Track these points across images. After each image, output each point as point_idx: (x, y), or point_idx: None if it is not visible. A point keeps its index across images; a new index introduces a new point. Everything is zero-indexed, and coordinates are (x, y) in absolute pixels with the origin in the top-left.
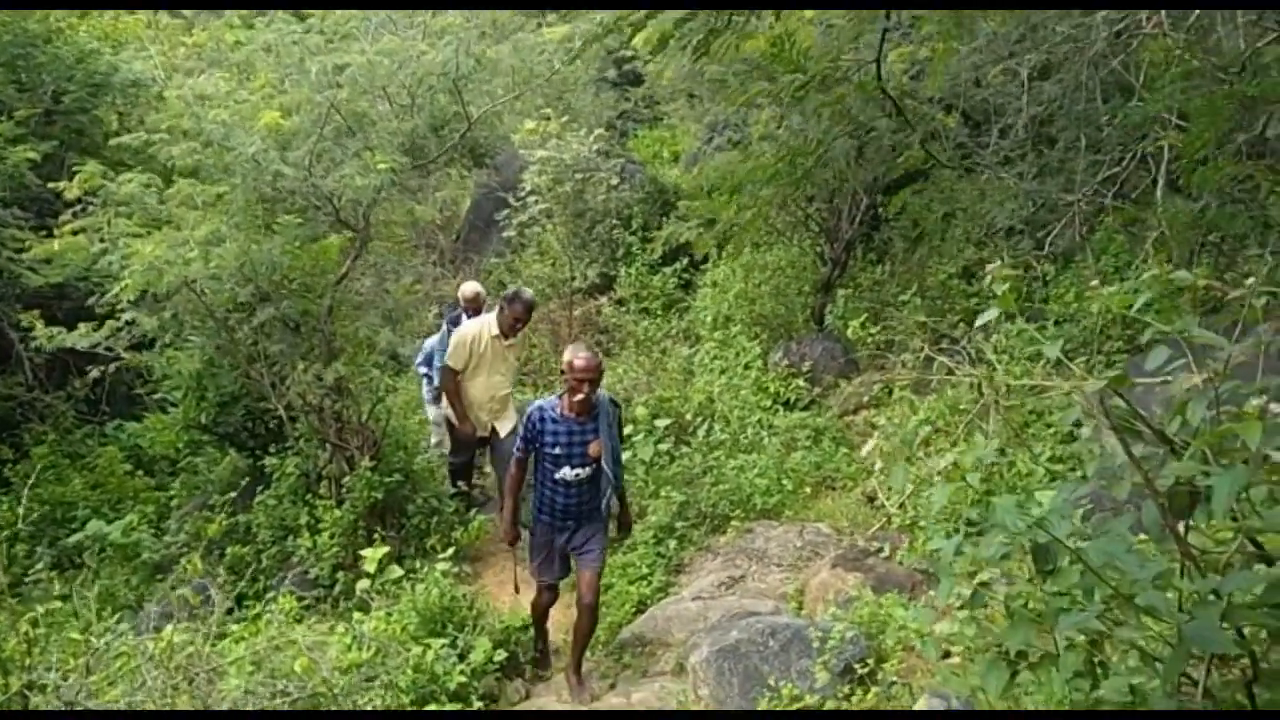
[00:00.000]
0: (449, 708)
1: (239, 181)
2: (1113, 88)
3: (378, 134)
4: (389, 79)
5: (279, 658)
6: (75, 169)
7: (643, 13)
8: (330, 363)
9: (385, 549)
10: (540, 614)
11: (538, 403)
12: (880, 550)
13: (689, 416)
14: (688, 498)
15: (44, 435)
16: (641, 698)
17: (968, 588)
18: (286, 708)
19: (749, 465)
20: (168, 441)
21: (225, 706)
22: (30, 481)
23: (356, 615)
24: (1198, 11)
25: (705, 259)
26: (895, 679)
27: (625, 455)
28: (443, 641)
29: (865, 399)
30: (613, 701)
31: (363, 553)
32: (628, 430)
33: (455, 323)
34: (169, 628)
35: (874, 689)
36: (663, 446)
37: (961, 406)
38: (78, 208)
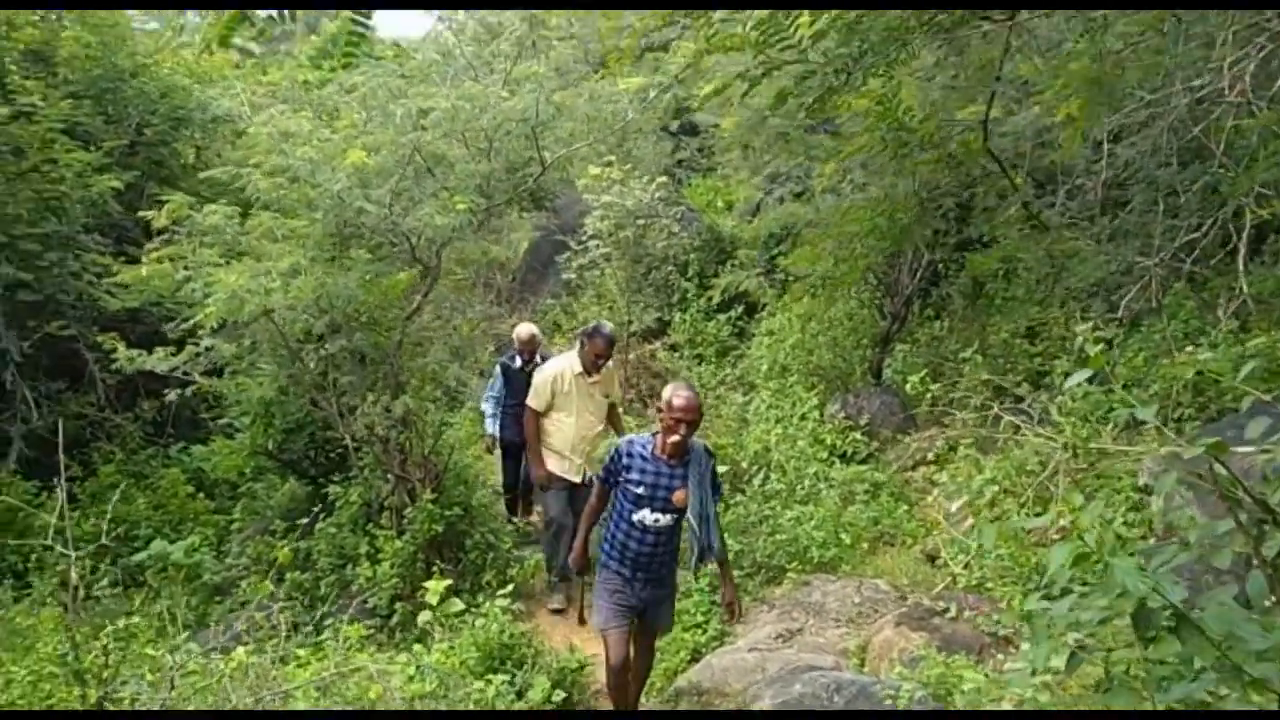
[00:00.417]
0: None
1: (320, 216)
2: (1191, 153)
3: (456, 175)
4: (470, 123)
5: (343, 685)
6: (155, 199)
7: (719, 73)
8: (398, 395)
9: (447, 581)
10: (616, 677)
11: (630, 437)
12: (946, 610)
13: (744, 464)
14: (743, 546)
15: (112, 455)
16: None
17: (1061, 652)
18: None
19: (806, 517)
20: (233, 466)
21: None
22: (114, 498)
23: (417, 647)
24: None
25: (760, 307)
26: None
27: None
28: (503, 678)
29: (926, 455)
30: None
31: (426, 584)
32: None
33: (508, 364)
34: (239, 649)
35: None
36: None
37: (1029, 467)
38: (164, 236)
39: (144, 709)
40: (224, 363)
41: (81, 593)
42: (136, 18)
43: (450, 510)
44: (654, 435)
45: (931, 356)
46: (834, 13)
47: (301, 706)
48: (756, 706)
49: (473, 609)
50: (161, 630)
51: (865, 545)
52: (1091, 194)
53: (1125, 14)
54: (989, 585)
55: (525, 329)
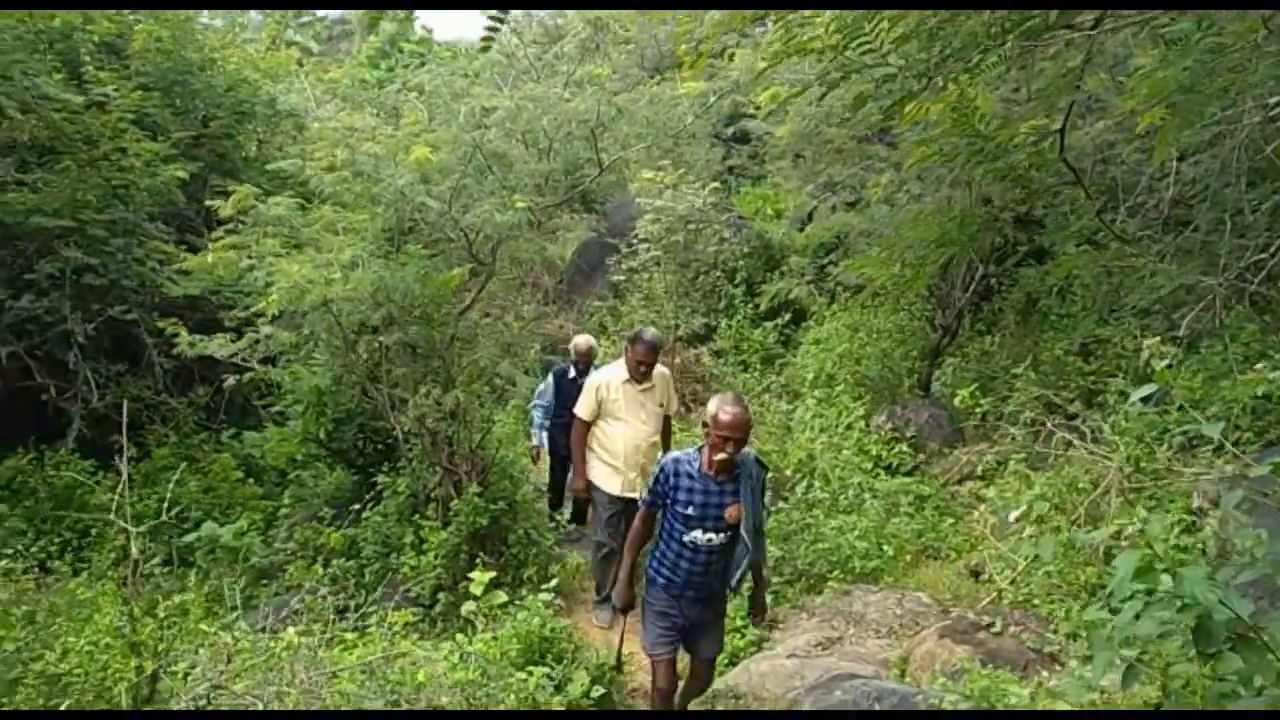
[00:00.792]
0: None
1: (382, 211)
2: (1261, 173)
3: (515, 174)
4: (532, 123)
5: (388, 669)
6: (218, 190)
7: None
8: (449, 389)
9: (492, 573)
10: (664, 701)
11: (674, 454)
12: (991, 625)
13: (788, 472)
14: (784, 554)
15: (166, 438)
16: None
17: (1118, 667)
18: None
19: (848, 526)
20: (285, 452)
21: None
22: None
23: (459, 636)
24: None
25: (807, 315)
26: None
27: None
28: (544, 670)
29: (974, 470)
30: None
31: (471, 575)
32: None
33: (562, 374)
34: (290, 629)
35: None
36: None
37: (1080, 485)
38: (228, 226)
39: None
40: (280, 351)
41: (139, 567)
42: (201, 15)
43: (495, 504)
44: (699, 450)
45: (981, 371)
46: (918, 16)
47: (347, 688)
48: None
49: (515, 602)
50: (210, 609)
51: (908, 557)
52: (1154, 211)
53: (1221, 20)
54: (1036, 602)
55: (584, 340)
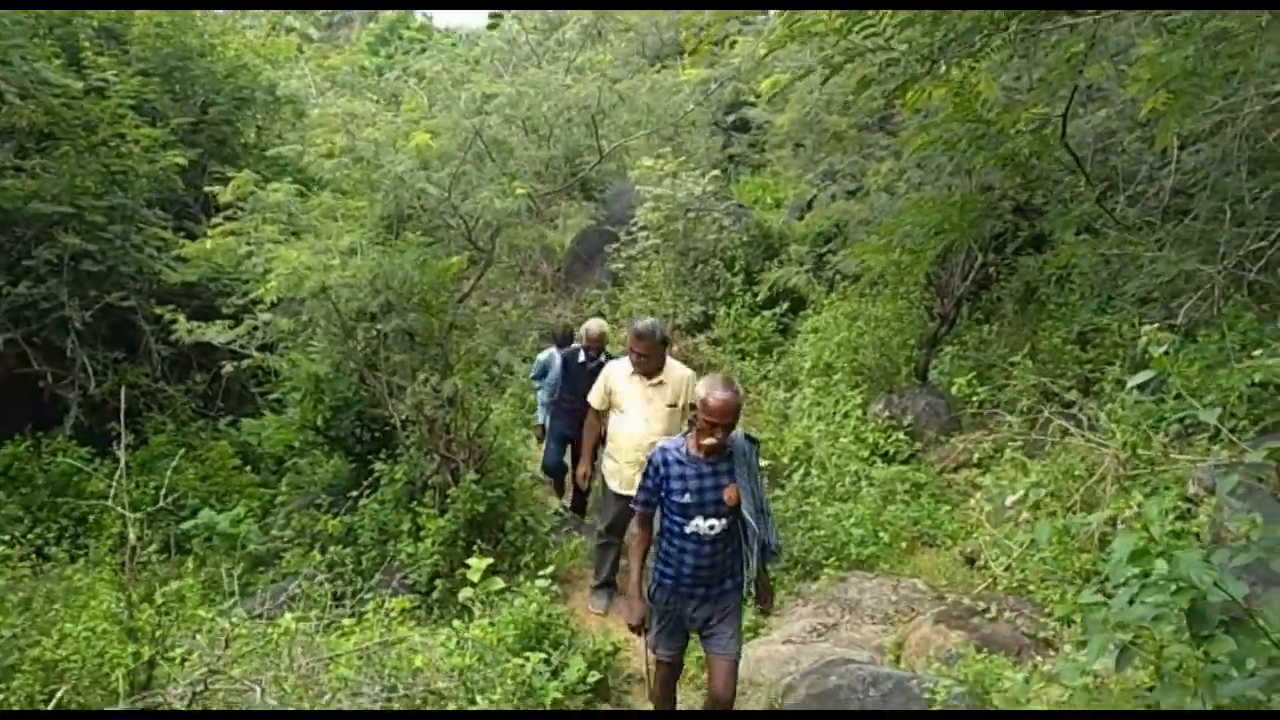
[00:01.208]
0: None
1: (381, 197)
2: (1260, 162)
3: (515, 161)
4: (532, 110)
5: (385, 655)
6: (216, 176)
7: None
8: (447, 376)
9: (489, 560)
10: (663, 693)
11: (660, 444)
12: (985, 610)
13: (785, 460)
14: (780, 541)
15: (163, 425)
16: None
17: (1110, 651)
18: (396, 703)
19: (845, 514)
20: (283, 439)
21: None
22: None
23: (456, 623)
24: None
25: (806, 304)
26: None
27: None
28: (540, 656)
29: (970, 458)
30: None
31: (468, 562)
32: None
33: (571, 358)
34: (287, 615)
35: None
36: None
37: (1076, 473)
38: (227, 212)
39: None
40: (278, 338)
41: (137, 554)
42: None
43: (492, 491)
44: (685, 435)
45: (979, 359)
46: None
47: (344, 673)
48: (791, 697)
49: (512, 588)
50: (207, 596)
51: (904, 545)
52: (1154, 200)
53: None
54: (1030, 588)
55: (596, 325)
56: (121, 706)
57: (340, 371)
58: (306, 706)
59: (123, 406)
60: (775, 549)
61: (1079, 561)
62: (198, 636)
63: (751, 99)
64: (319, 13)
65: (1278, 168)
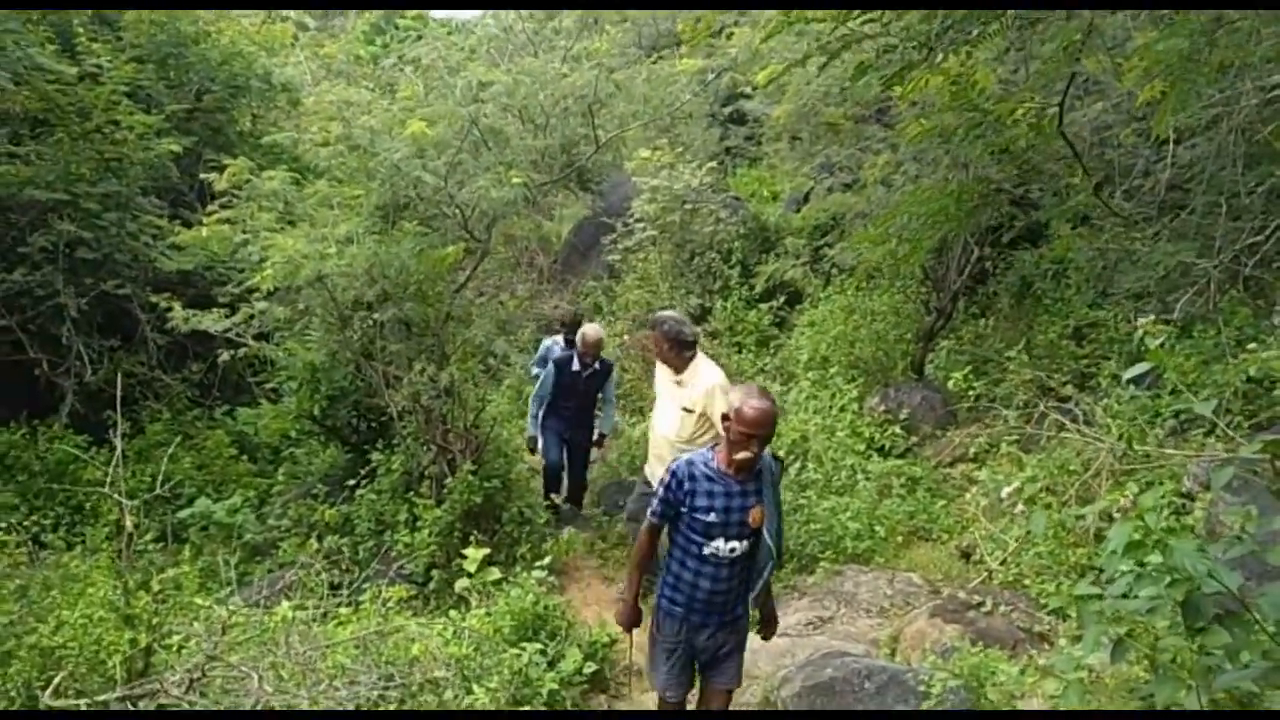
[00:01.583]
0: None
1: (377, 185)
2: (1256, 157)
3: (512, 150)
4: (529, 98)
5: (382, 644)
6: (211, 164)
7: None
8: (444, 366)
9: (485, 550)
10: None
11: (687, 456)
12: (981, 604)
13: (780, 453)
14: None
15: (159, 414)
16: None
17: (1105, 644)
18: (393, 691)
19: (841, 508)
20: (279, 429)
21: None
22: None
23: (453, 613)
24: None
25: (802, 297)
26: None
27: None
28: (537, 647)
29: (966, 452)
30: None
31: (465, 552)
32: None
33: (565, 363)
34: (284, 604)
35: None
36: None
37: (1071, 468)
38: (222, 200)
39: (192, 654)
40: (274, 327)
41: (134, 541)
42: None
43: (489, 482)
44: (713, 449)
45: (975, 354)
46: None
47: (341, 660)
48: (786, 689)
49: (508, 579)
50: (204, 585)
51: (900, 538)
52: (1149, 195)
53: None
54: (1026, 582)
55: (594, 332)
56: (119, 693)
57: (336, 361)
58: (304, 694)
59: (119, 394)
60: (777, 563)
61: (1074, 556)
62: (195, 624)
63: (748, 91)
64: None
65: (1274, 162)
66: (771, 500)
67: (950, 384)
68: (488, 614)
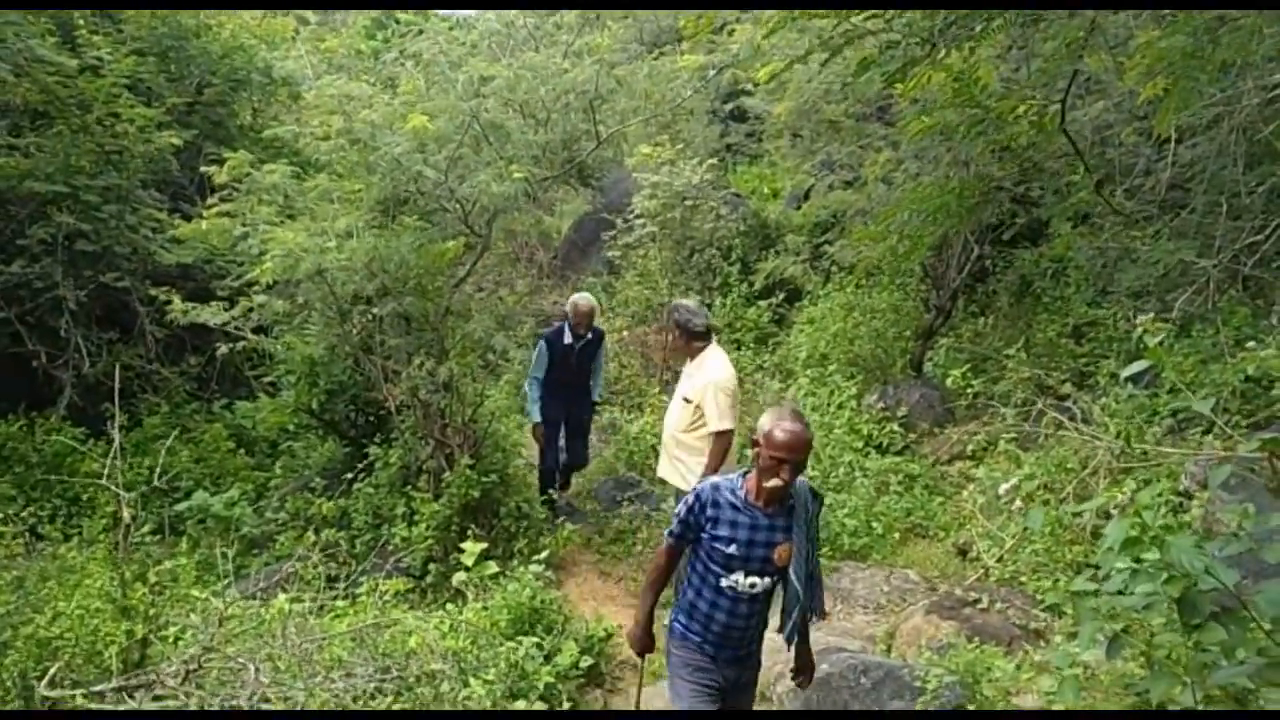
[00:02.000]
0: (537, 707)
1: (377, 179)
2: (1257, 156)
3: (513, 145)
4: (530, 93)
5: (379, 637)
6: (212, 157)
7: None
8: (443, 361)
9: (483, 544)
10: None
11: (714, 479)
12: (977, 601)
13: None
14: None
15: (157, 407)
16: None
17: (1100, 641)
18: (389, 684)
19: (838, 505)
20: (277, 422)
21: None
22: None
23: (450, 606)
24: None
25: (802, 295)
26: None
27: None
28: (533, 640)
29: (964, 450)
30: None
31: (462, 546)
32: None
33: (556, 337)
34: (280, 596)
35: None
36: None
37: (1069, 466)
38: (222, 193)
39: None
40: (273, 321)
41: (131, 533)
42: None
43: (487, 477)
44: (744, 475)
45: (974, 352)
46: None
47: (338, 653)
48: (781, 685)
49: (505, 573)
50: (201, 578)
51: (897, 536)
52: (1150, 194)
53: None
54: (1022, 579)
55: (585, 300)
56: (115, 684)
57: (335, 355)
58: (300, 685)
59: (117, 387)
60: (817, 613)
61: (1071, 553)
62: (191, 616)
63: (749, 87)
64: None
65: (1274, 162)
66: (803, 538)
67: (949, 382)
68: (485, 608)
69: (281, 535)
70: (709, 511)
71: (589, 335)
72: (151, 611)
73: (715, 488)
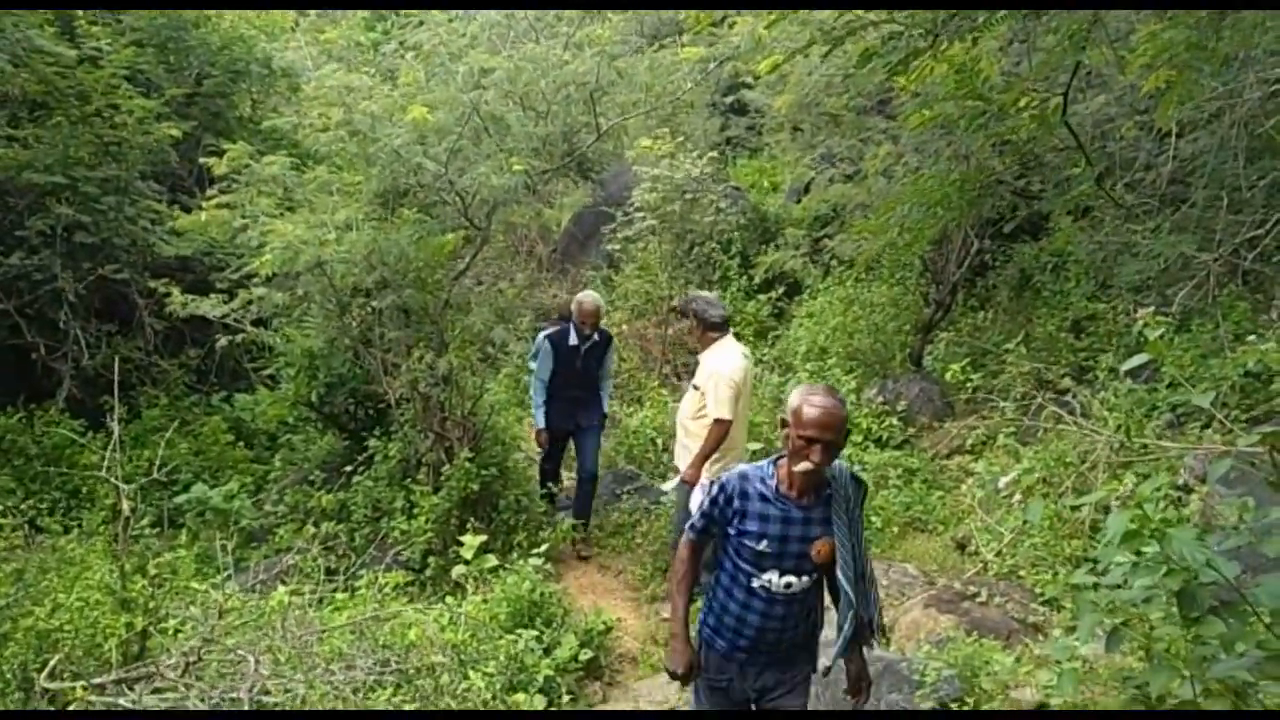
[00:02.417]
0: (537, 700)
1: (377, 171)
2: (1258, 150)
3: (513, 137)
4: (530, 85)
5: (378, 629)
6: (211, 149)
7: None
8: (442, 354)
9: (482, 537)
10: None
11: (742, 468)
12: (976, 595)
13: (777, 444)
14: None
15: (156, 399)
16: None
17: (1098, 636)
18: (389, 676)
19: None
20: (276, 415)
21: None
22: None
23: (449, 599)
24: None
25: (801, 288)
26: None
27: None
28: (533, 633)
29: (963, 444)
30: None
31: (462, 539)
32: None
33: (561, 338)
34: (280, 589)
35: None
36: None
37: (1068, 460)
38: (222, 185)
39: (189, 637)
40: (272, 313)
41: (130, 525)
42: None
43: (486, 470)
44: (774, 462)
45: (974, 346)
46: None
47: (338, 645)
48: None
49: (505, 566)
50: (200, 570)
51: (895, 530)
52: (1151, 188)
53: None
54: (1021, 573)
55: (590, 299)
56: (114, 676)
57: (335, 347)
58: (300, 677)
59: (116, 379)
60: (875, 627)
61: (1069, 547)
62: (191, 608)
63: (750, 80)
64: None
65: (1275, 156)
66: (846, 532)
67: (948, 376)
68: (484, 601)
69: (281, 528)
70: (736, 504)
71: (595, 336)
72: (151, 604)
73: (743, 476)
